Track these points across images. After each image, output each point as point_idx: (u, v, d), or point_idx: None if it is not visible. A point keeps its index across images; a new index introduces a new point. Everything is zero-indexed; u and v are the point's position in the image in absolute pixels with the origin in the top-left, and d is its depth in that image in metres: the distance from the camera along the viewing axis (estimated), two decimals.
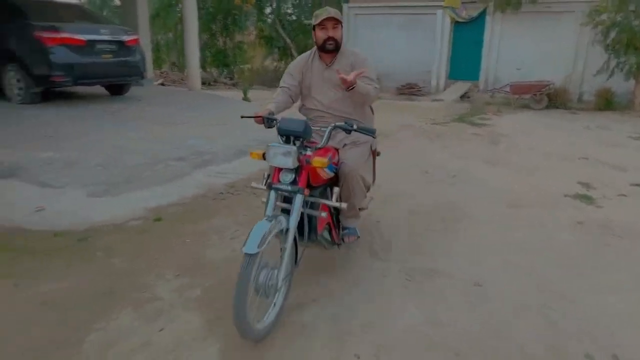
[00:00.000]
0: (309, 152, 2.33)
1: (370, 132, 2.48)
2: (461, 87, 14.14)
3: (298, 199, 2.29)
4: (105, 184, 4.25)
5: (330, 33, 2.75)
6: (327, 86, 2.88)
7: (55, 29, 6.69)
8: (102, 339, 2.31)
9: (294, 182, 2.32)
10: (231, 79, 17.75)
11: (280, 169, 2.34)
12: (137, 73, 7.99)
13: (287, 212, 2.35)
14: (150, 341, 2.29)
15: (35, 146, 4.91)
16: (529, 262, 3.24)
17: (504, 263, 3.22)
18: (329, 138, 2.50)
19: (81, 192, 4.08)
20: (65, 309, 2.54)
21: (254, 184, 2.58)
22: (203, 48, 17.04)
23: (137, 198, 4.11)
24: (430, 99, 13.15)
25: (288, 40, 19.30)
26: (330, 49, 2.79)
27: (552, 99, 11.75)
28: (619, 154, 6.71)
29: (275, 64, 20.82)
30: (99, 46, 7.14)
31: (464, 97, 13.54)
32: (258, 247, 2.02)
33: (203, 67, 16.23)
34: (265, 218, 2.19)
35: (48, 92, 7.23)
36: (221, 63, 18.69)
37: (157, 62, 17.67)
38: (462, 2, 14.03)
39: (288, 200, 2.38)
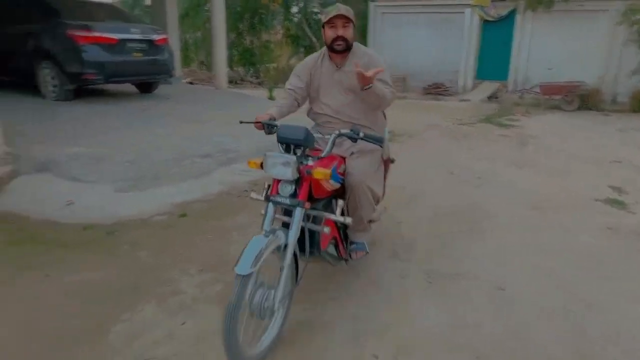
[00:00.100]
0: (310, 162, 2.15)
1: (378, 141, 2.26)
2: (489, 87, 13.90)
3: (297, 213, 2.12)
4: (133, 180, 4.35)
5: (340, 32, 2.53)
6: (337, 89, 2.67)
7: (88, 28, 6.88)
8: (128, 330, 2.37)
9: (294, 195, 2.14)
10: (257, 77, 17.92)
11: (279, 180, 2.16)
12: (166, 71, 8.14)
13: (288, 225, 2.18)
14: (173, 334, 2.34)
15: (67, 142, 5.07)
16: (555, 266, 3.17)
17: (529, 266, 3.16)
18: (332, 146, 2.30)
19: (110, 187, 4.20)
20: (94, 300, 2.63)
21: (253, 195, 2.36)
22: (230, 47, 17.25)
23: (163, 194, 4.20)
24: (457, 99, 12.97)
25: (314, 39, 19.34)
26: (339, 50, 2.57)
27: (584, 100, 11.42)
28: None
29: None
30: (129, 45, 7.31)
31: (491, 97, 13.30)
32: (251, 267, 1.86)
33: (230, 65, 16.43)
34: (262, 233, 2.03)
35: (80, 89, 7.44)
36: (248, 62, 18.88)
37: (186, 61, 17.99)
38: (492, 1, 13.77)
39: (289, 213, 2.20)
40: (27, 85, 7.44)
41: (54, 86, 7.16)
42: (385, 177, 2.97)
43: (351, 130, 2.25)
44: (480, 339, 2.39)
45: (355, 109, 2.67)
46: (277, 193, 2.16)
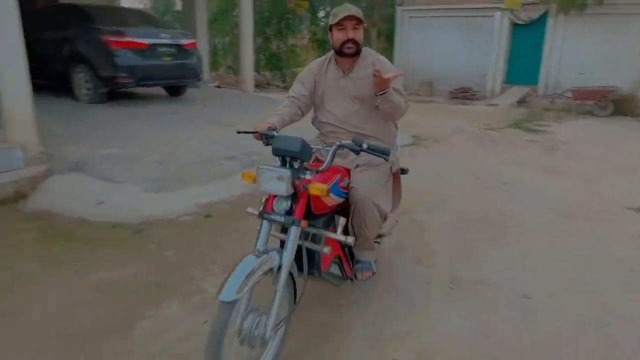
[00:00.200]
0: (308, 176, 1.95)
1: (383, 153, 2.06)
2: (518, 91, 13.62)
3: (293, 232, 1.93)
4: (161, 180, 4.45)
5: (350, 34, 2.33)
6: (343, 97, 2.47)
7: (121, 33, 7.10)
8: (153, 326, 2.43)
9: (290, 211, 1.96)
10: (283, 81, 18.07)
11: (275, 195, 1.97)
12: (194, 75, 8.31)
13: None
14: (196, 331, 2.38)
15: (99, 143, 5.23)
16: (585, 275, 3.08)
17: (557, 275, 3.08)
18: (333, 159, 2.11)
19: (139, 187, 4.30)
20: (120, 295, 2.70)
21: (249, 210, 2.22)
22: (257, 51, 17.46)
23: (189, 194, 4.28)
24: (484, 104, 12.76)
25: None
26: (349, 53, 2.38)
27: (618, 105, 11.07)
28: None
29: None
30: (159, 49, 7.50)
31: (521, 102, 13.03)
32: (237, 292, 1.66)
33: (257, 70, 16.63)
34: (255, 253, 1.84)
35: (113, 92, 7.67)
36: (274, 66, 19.06)
37: (214, 65, 18.29)
38: (522, 4, 13.52)
39: (287, 230, 2.01)
40: (62, 89, 7.72)
41: (88, 89, 7.40)
42: (398, 191, 2.75)
43: (353, 141, 2.06)
44: (503, 347, 2.34)
45: (362, 118, 2.47)
46: (272, 209, 1.98)
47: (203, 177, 4.65)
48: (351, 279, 2.53)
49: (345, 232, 2.34)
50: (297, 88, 2.55)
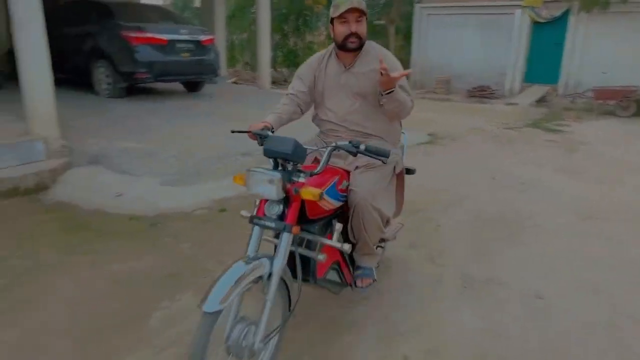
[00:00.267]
0: (302, 179, 1.84)
1: (382, 155, 1.92)
2: (538, 90, 13.41)
3: (284, 239, 1.83)
4: (178, 175, 4.51)
5: (353, 28, 2.19)
6: (344, 93, 2.34)
7: (140, 29, 7.20)
8: (167, 317, 2.47)
9: (282, 216, 1.85)
10: None
11: (267, 199, 1.87)
12: (211, 71, 8.38)
13: None
14: None
15: (118, 137, 5.33)
16: (601, 278, 3.03)
17: (572, 277, 3.03)
18: (328, 160, 1.97)
19: (155, 181, 4.37)
20: (136, 286, 2.76)
21: (243, 213, 2.14)
22: (275, 48, 17.52)
23: (205, 189, 4.33)
24: (503, 103, 12.60)
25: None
26: (352, 48, 2.24)
27: None
28: None
29: None
30: (178, 45, 7.59)
31: (540, 101, 12.82)
32: (220, 303, 1.57)
33: (274, 66, 16.68)
34: (244, 260, 1.75)
35: (132, 87, 7.79)
36: (292, 63, 19.08)
37: (231, 61, 18.41)
38: (544, 1, 13.28)
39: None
40: (83, 83, 7.86)
41: (108, 84, 7.53)
42: (401, 192, 2.60)
43: (350, 142, 1.94)
44: (513, 347, 2.32)
45: (364, 116, 2.34)
46: (264, 214, 1.88)
47: (219, 172, 4.70)
48: (351, 286, 2.42)
49: (345, 236, 2.27)
50: (296, 84, 2.43)
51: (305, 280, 2.08)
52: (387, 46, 16.32)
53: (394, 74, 2.01)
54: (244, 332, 1.76)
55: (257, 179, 1.81)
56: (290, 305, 1.95)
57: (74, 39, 7.66)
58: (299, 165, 1.86)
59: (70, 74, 8.01)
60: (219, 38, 10.21)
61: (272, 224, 1.84)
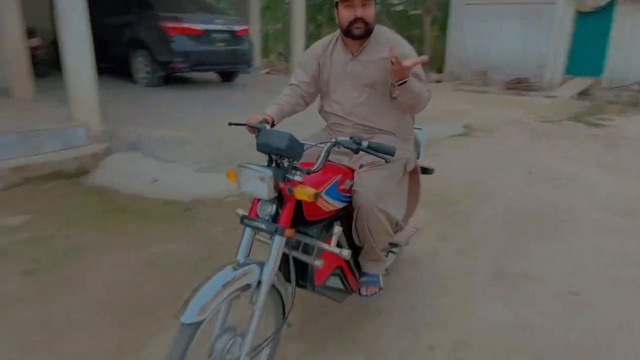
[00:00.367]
0: (297, 177, 1.67)
1: (386, 153, 1.74)
2: (580, 83, 12.89)
3: (276, 242, 1.67)
4: (211, 162, 4.62)
5: (359, 12, 1.99)
6: (350, 84, 2.14)
7: (177, 19, 7.36)
8: None
9: (277, 217, 1.70)
10: None
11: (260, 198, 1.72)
12: (246, 61, 8.48)
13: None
14: (239, 306, 2.48)
15: (155, 124, 5.48)
16: (635, 275, 2.93)
17: (608, 275, 2.94)
18: (326, 158, 1.80)
19: (190, 168, 4.49)
20: (170, 268, 2.86)
21: (239, 212, 1.92)
22: (309, 38, 17.50)
23: None
24: (542, 95, 12.19)
25: (393, 30, 19.07)
26: (357, 34, 2.04)
27: None
28: None
29: None
30: (213, 35, 7.71)
31: (582, 94, 12.33)
32: (198, 314, 1.44)
33: None
34: (232, 265, 1.61)
35: (169, 76, 7.98)
36: None
37: (265, 52, 18.53)
38: None
39: None
40: (122, 72, 8.11)
41: (146, 73, 7.74)
42: (416, 194, 2.42)
43: (351, 138, 1.76)
44: (545, 343, 2.29)
45: (372, 109, 2.14)
46: (256, 215, 1.74)
47: (249, 160, 4.76)
48: (357, 292, 2.26)
49: (351, 240, 2.12)
50: (298, 74, 2.25)
51: (301, 286, 1.94)
52: (422, 37, 16.04)
53: (406, 62, 1.77)
54: (229, 343, 1.63)
55: (247, 176, 1.67)
56: (284, 312, 1.79)
57: (114, 29, 7.90)
58: (295, 162, 1.71)
59: (111, 63, 8.26)
60: (254, 28, 10.30)
61: (263, 226, 1.68)
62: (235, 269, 1.59)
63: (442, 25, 15.66)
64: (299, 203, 1.72)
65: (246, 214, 1.76)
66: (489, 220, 3.77)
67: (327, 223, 1.97)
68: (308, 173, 1.72)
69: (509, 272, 2.94)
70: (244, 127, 1.97)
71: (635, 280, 2.88)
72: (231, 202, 3.93)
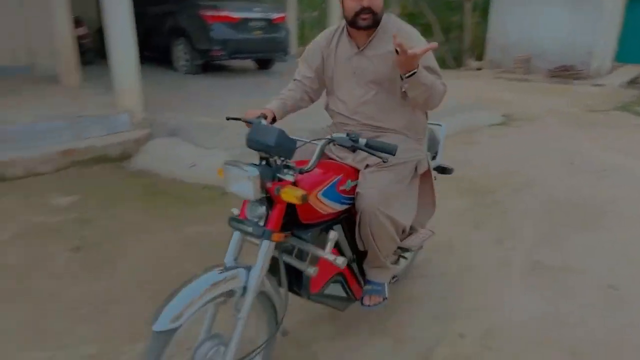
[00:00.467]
0: (289, 177, 1.55)
1: (387, 152, 1.57)
2: (630, 71, 12.26)
3: (263, 247, 1.55)
4: (246, 148, 4.69)
5: (366, 2, 1.79)
6: (356, 80, 1.95)
7: (216, 8, 7.46)
8: None
9: (267, 219, 1.57)
10: None
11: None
12: (282, 49, 8.52)
13: (275, 260, 1.64)
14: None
15: (194, 111, 5.62)
16: None
17: None
18: (320, 156, 1.66)
19: (226, 154, 4.58)
20: (207, 249, 2.95)
21: (234, 211, 1.76)
22: None
23: None
24: (589, 83, 11.65)
25: (432, 17, 18.65)
26: (364, 25, 1.84)
27: None
28: None
29: None
30: (250, 23, 7.78)
31: (633, 82, 11.72)
32: (171, 321, 1.34)
33: None
34: (219, 268, 1.51)
35: (207, 64, 8.12)
36: None
37: (302, 40, 18.51)
38: None
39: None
40: (163, 60, 8.32)
41: (186, 61, 7.92)
42: (431, 197, 2.20)
43: (347, 134, 1.61)
44: (580, 337, 2.23)
45: (379, 107, 1.95)
46: (245, 216, 1.61)
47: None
48: (360, 302, 2.09)
49: (353, 244, 1.97)
50: (302, 68, 2.10)
51: (296, 293, 1.82)
52: (462, 24, 15.60)
53: (412, 50, 1.57)
54: (212, 351, 1.54)
55: (233, 175, 1.55)
56: (276, 318, 1.67)
57: (156, 18, 8.11)
58: (287, 160, 1.58)
59: (153, 51, 8.49)
60: (290, 16, 10.31)
61: (250, 229, 1.56)
62: (220, 272, 1.49)
63: (483, 11, 15.17)
64: (292, 204, 1.57)
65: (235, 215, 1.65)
66: (529, 211, 3.68)
67: (325, 227, 1.79)
68: (301, 172, 1.60)
69: (547, 264, 2.87)
70: (260, 120, 1.81)
71: None
72: None
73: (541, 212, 3.66)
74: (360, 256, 2.04)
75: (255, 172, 1.49)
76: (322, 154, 1.80)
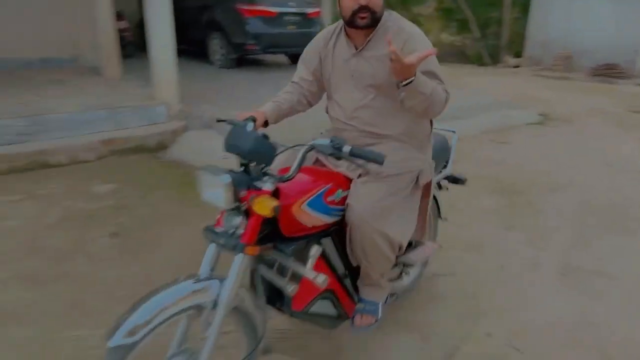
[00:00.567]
0: (267, 186, 1.44)
1: (374, 161, 1.47)
2: None
3: (236, 261, 1.44)
4: (278, 143, 4.76)
5: (363, 0, 1.66)
6: (353, 83, 1.82)
7: (253, 2, 7.55)
8: None
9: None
10: None
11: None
12: None
13: (253, 273, 1.58)
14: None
15: (228, 104, 5.73)
16: None
17: None
18: (301, 163, 1.54)
19: None
20: None
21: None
22: None
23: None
24: (634, 83, 11.18)
25: (468, 13, 18.27)
26: (362, 25, 1.71)
27: None
28: None
29: (451, 38, 19.96)
30: (285, 18, 7.84)
31: None
32: (125, 336, 1.26)
33: None
34: (192, 279, 1.44)
35: (241, 58, 8.25)
36: None
37: None
38: None
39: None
40: (199, 53, 8.49)
41: (222, 55, 8.05)
42: (425, 210, 1.98)
43: (331, 141, 1.50)
44: (606, 340, 2.20)
45: (377, 112, 1.80)
46: (221, 226, 1.51)
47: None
48: (351, 321, 1.94)
49: (345, 258, 1.83)
50: (300, 70, 2.00)
51: (278, 309, 1.70)
52: (501, 19, 15.21)
53: (408, 59, 1.44)
54: None
55: (206, 182, 1.46)
56: (257, 333, 1.56)
57: (193, 12, 8.27)
58: (266, 167, 1.49)
59: (190, 45, 8.66)
60: (325, 11, 10.31)
61: (222, 240, 1.46)
62: (194, 282, 1.42)
63: (522, 7, 14.74)
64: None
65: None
66: (562, 212, 3.60)
67: (313, 240, 1.65)
68: (283, 181, 1.49)
69: (578, 266, 2.82)
70: (246, 123, 1.65)
71: None
72: None
73: (576, 214, 3.57)
74: (354, 271, 1.90)
75: (227, 179, 1.39)
76: (316, 161, 1.77)
